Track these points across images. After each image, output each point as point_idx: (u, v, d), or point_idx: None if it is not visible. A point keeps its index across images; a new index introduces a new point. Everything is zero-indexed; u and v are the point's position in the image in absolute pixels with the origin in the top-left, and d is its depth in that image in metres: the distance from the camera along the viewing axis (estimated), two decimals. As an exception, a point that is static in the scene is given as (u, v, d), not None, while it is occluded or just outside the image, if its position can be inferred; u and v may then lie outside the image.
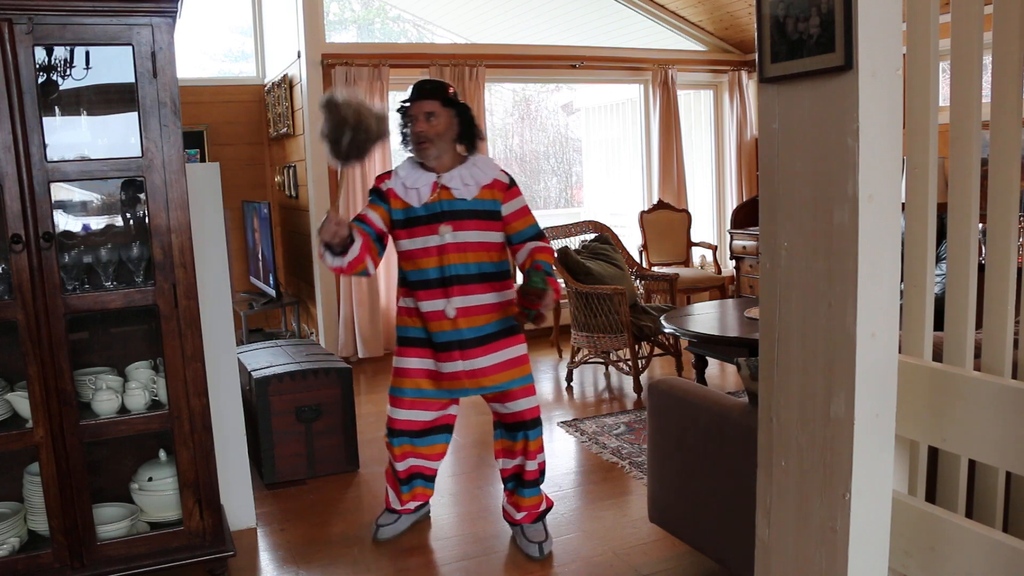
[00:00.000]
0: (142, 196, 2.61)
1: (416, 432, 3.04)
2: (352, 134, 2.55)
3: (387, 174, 2.93)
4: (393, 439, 3.05)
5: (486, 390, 2.94)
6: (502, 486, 3.20)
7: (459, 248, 2.81)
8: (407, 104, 2.87)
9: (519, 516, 3.06)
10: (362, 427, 4.09)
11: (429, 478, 3.18)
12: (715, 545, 2.53)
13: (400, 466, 3.08)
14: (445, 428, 3.11)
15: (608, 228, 5.98)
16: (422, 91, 2.85)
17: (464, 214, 2.82)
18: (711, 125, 7.63)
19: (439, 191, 2.83)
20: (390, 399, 3.03)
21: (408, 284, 2.91)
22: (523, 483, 3.04)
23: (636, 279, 5.76)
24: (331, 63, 5.84)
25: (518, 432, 3.01)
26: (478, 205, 2.83)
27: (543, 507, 3.10)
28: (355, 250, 2.72)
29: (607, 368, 5.64)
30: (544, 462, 3.07)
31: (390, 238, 2.93)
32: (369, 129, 2.58)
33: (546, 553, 2.98)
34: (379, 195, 2.89)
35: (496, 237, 2.89)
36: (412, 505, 3.17)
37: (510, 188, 2.91)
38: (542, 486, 3.11)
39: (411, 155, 2.93)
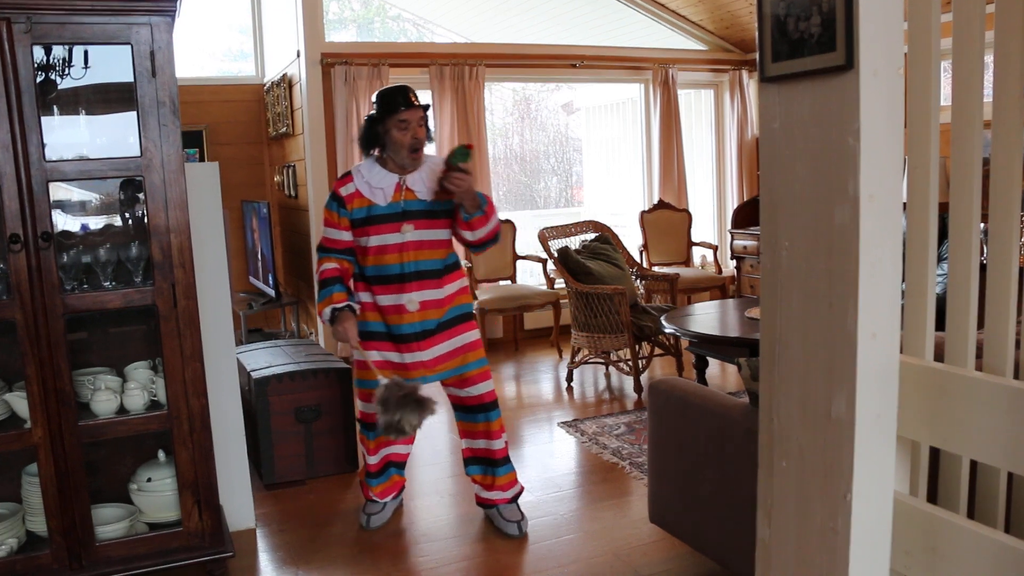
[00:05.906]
0: (141, 196, 2.61)
1: None
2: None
3: (348, 176, 3.03)
4: (368, 432, 3.19)
5: (446, 374, 3.08)
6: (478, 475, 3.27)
7: (418, 246, 2.98)
8: (400, 111, 2.91)
9: (495, 496, 3.18)
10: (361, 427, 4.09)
11: (401, 465, 3.32)
12: (716, 546, 2.52)
13: (373, 459, 3.23)
14: None
15: (608, 228, 5.97)
16: (412, 98, 2.95)
17: (424, 214, 2.98)
18: (712, 125, 7.61)
19: (404, 191, 2.97)
20: (359, 393, 3.18)
21: (365, 279, 3.05)
22: (494, 462, 3.17)
23: (636, 279, 5.75)
24: (330, 62, 5.84)
25: (478, 414, 3.14)
26: (435, 206, 2.99)
27: (517, 488, 3.22)
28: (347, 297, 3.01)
29: (607, 368, 5.63)
30: (507, 441, 3.21)
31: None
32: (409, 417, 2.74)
33: (524, 531, 3.12)
34: (340, 203, 3.00)
35: (447, 234, 3.06)
36: (391, 495, 3.31)
37: None
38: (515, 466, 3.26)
39: (376, 157, 3.03)
